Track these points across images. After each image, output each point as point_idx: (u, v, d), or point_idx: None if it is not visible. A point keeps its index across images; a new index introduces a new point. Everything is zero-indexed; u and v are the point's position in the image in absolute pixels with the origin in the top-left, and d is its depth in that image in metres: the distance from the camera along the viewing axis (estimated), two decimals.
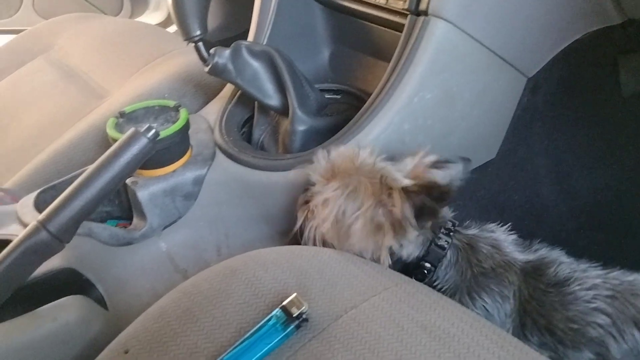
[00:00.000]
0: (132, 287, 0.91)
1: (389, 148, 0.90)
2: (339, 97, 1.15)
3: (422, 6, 0.84)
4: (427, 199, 0.74)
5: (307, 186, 0.84)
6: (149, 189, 0.92)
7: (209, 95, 1.16)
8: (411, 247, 0.80)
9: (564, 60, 1.08)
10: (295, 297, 0.67)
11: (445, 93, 0.90)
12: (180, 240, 0.95)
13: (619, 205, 1.20)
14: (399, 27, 0.93)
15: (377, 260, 0.79)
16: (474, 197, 1.08)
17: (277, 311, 0.67)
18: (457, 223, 0.84)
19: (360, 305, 0.67)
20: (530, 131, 1.12)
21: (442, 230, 0.81)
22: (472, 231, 0.84)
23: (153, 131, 0.79)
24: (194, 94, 1.16)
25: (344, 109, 1.11)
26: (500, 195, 1.05)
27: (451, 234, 0.81)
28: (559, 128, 1.17)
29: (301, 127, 0.97)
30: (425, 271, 0.82)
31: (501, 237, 0.83)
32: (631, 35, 1.18)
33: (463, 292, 0.81)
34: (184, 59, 1.23)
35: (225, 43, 0.99)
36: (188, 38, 0.91)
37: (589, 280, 0.76)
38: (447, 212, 0.84)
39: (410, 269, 0.82)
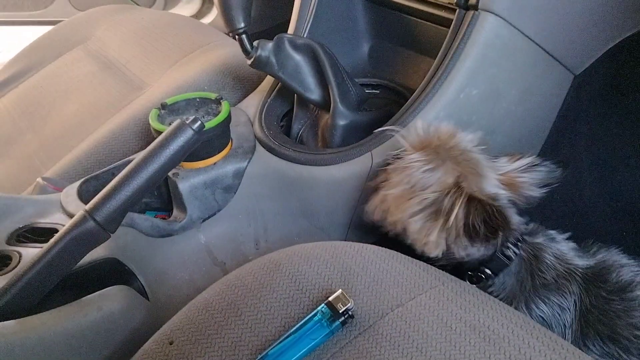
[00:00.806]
0: (171, 279, 0.92)
1: None
2: (378, 92, 1.14)
3: (472, 0, 0.82)
4: (491, 217, 0.71)
5: (381, 168, 0.81)
6: (189, 180, 0.92)
7: (248, 88, 1.16)
8: (473, 250, 0.77)
9: (611, 57, 1.05)
10: (341, 293, 0.67)
11: (492, 89, 0.88)
12: (219, 232, 0.95)
13: None
14: (444, 22, 0.91)
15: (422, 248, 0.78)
16: None
17: (322, 307, 0.66)
18: (526, 231, 0.81)
19: (406, 303, 0.66)
20: (574, 130, 1.10)
21: (510, 240, 0.78)
22: (539, 239, 0.80)
23: (199, 123, 0.79)
24: (233, 87, 1.16)
25: (383, 104, 1.10)
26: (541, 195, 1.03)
27: (519, 243, 0.79)
28: (603, 127, 1.14)
29: (342, 122, 0.96)
30: (484, 276, 0.80)
31: (562, 244, 0.80)
32: None
33: (521, 301, 0.79)
34: (222, 51, 1.23)
35: (262, 35, 0.99)
36: (232, 30, 0.91)
37: None
38: (519, 220, 0.80)
39: (465, 269, 0.81)
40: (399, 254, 0.77)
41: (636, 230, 1.13)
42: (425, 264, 0.76)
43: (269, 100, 1.06)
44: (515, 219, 0.78)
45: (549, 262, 0.78)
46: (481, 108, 0.89)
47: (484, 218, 0.72)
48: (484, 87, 0.87)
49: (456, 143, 0.77)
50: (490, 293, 0.78)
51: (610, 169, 1.15)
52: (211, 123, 0.89)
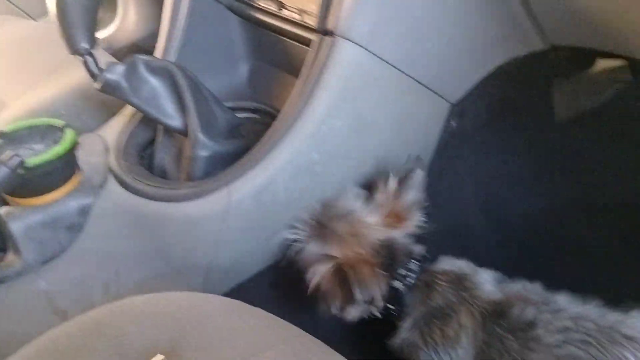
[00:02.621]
0: (2, 332, 0.80)
1: (297, 179, 0.83)
2: (257, 116, 1.07)
3: (329, 25, 0.76)
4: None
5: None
6: (24, 220, 0.81)
7: (114, 112, 1.05)
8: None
9: (493, 84, 1.03)
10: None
11: (359, 120, 0.82)
12: (62, 277, 0.84)
13: (550, 236, 1.15)
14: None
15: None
16: None
17: None
18: (425, 260, 0.80)
19: None
20: (458, 157, 1.06)
21: (401, 272, 0.78)
22: (439, 267, 0.79)
23: (18, 159, 0.69)
24: (96, 111, 1.05)
25: (261, 129, 1.02)
26: (424, 228, 0.98)
27: (410, 274, 0.78)
28: (488, 153, 1.11)
29: (204, 153, 0.88)
30: (393, 312, 0.79)
31: (471, 273, 0.77)
32: (564, 59, 1.13)
33: (416, 331, 0.76)
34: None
35: None
36: (74, 51, 0.81)
37: (557, 323, 0.68)
38: (416, 249, 0.81)
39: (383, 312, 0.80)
40: (247, 306, 0.70)
41: (524, 258, 1.10)
42: (274, 317, 0.68)
43: (131, 127, 0.96)
44: (407, 249, 0.79)
45: (440, 289, 0.76)
46: (349, 140, 0.83)
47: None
48: (349, 119, 0.81)
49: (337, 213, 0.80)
50: (401, 325, 0.78)
51: (496, 197, 1.13)
52: (45, 157, 0.79)
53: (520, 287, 0.74)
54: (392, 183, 0.82)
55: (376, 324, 0.82)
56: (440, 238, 0.85)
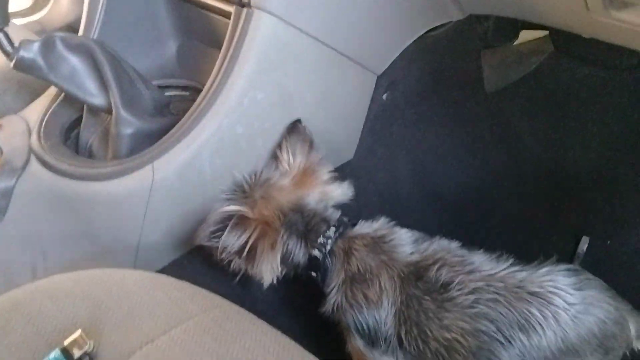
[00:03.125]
0: None
1: (222, 154, 0.83)
2: (187, 93, 1.06)
3: None
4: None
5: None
6: None
7: (38, 93, 1.02)
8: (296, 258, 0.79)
9: (422, 56, 1.05)
10: (80, 335, 0.58)
11: (281, 93, 0.83)
12: None
13: (482, 204, 1.19)
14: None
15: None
16: None
17: (55, 352, 0.57)
18: (343, 226, 0.80)
19: (157, 339, 0.59)
20: (390, 130, 1.08)
21: (319, 240, 0.78)
22: (358, 231, 0.80)
23: None
24: (17, 92, 1.02)
25: (189, 106, 1.02)
26: (359, 198, 1.00)
27: (328, 241, 0.79)
28: (420, 125, 1.13)
29: (128, 130, 0.86)
30: (313, 278, 0.80)
31: (389, 235, 0.79)
32: (490, 32, 1.17)
33: (342, 295, 0.78)
34: None
35: None
36: None
37: (470, 284, 0.72)
38: (334, 214, 0.82)
39: (305, 280, 0.82)
40: (171, 279, 0.70)
41: (455, 226, 1.14)
42: (198, 288, 0.69)
43: (53, 106, 0.94)
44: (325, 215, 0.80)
45: (358, 255, 0.77)
46: (273, 114, 0.84)
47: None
48: (271, 92, 0.81)
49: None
50: (326, 291, 0.79)
51: (428, 168, 1.16)
52: None
53: (437, 247, 0.76)
54: (285, 148, 0.83)
55: (309, 293, 0.84)
56: (375, 211, 0.87)
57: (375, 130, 1.06)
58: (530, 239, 1.17)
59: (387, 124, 1.08)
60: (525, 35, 1.18)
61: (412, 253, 0.76)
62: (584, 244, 1.15)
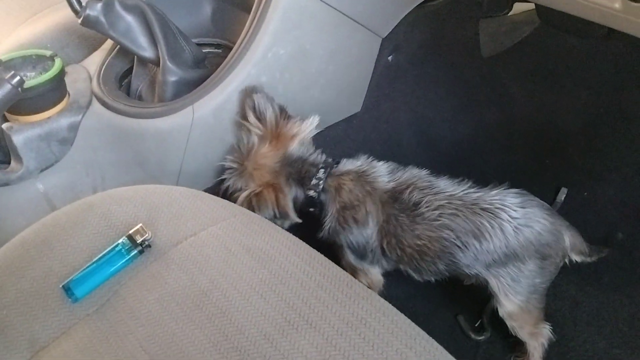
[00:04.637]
0: (9, 225, 0.98)
1: None
2: (220, 51, 1.23)
3: None
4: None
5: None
6: (23, 133, 0.97)
7: (94, 46, 1.20)
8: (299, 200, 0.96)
9: (425, 22, 1.20)
10: (140, 226, 0.77)
11: (299, 49, 0.99)
12: (57, 182, 1.02)
13: (474, 157, 1.35)
14: None
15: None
16: (339, 146, 1.20)
17: (123, 239, 0.76)
18: (331, 166, 0.96)
19: (199, 233, 0.78)
20: (393, 87, 1.24)
21: (312, 182, 0.95)
22: (342, 169, 0.97)
23: (17, 78, 0.85)
24: (77, 45, 1.21)
25: (222, 62, 1.19)
26: (364, 146, 1.17)
27: (320, 182, 0.95)
28: (421, 85, 1.29)
29: (172, 78, 1.04)
30: (312, 213, 0.97)
31: (369, 168, 0.96)
32: (489, 1, 1.30)
33: (336, 221, 0.96)
34: (68, 10, 1.26)
35: None
36: None
37: (436, 202, 0.90)
38: (319, 157, 0.98)
39: (305, 215, 0.98)
40: (203, 193, 0.88)
41: (449, 172, 1.30)
42: (225, 200, 0.87)
43: (109, 58, 1.12)
44: (312, 159, 0.97)
45: (347, 189, 0.94)
46: (292, 66, 1.01)
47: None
48: (291, 48, 0.98)
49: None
50: (323, 221, 0.96)
51: (427, 122, 1.32)
52: (40, 79, 0.95)
53: (410, 175, 0.94)
54: (251, 114, 0.96)
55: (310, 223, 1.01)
56: (378, 156, 1.03)
57: (381, 87, 1.22)
58: (514, 188, 1.32)
59: (391, 82, 1.24)
60: (519, 7, 1.32)
61: (389, 182, 0.94)
62: (562, 194, 1.30)
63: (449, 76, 1.32)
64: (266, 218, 0.87)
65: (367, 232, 0.94)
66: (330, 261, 0.74)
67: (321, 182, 0.95)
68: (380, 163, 0.97)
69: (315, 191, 0.96)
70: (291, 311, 0.66)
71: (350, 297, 0.68)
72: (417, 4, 1.09)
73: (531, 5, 1.32)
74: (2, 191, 0.98)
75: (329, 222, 0.96)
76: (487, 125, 1.38)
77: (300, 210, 0.98)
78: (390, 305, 0.69)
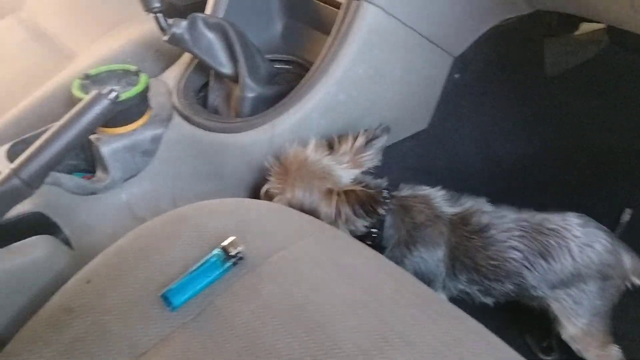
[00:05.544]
0: (95, 232, 1.03)
1: (326, 116, 1.03)
2: (289, 67, 1.26)
3: None
4: (368, 198, 0.91)
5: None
6: (111, 145, 1.02)
7: (169, 60, 1.25)
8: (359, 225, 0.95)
9: (491, 42, 1.21)
10: (234, 239, 0.80)
11: (375, 69, 1.02)
12: (139, 192, 1.07)
13: (536, 175, 1.36)
14: (339, 6, 1.04)
15: None
16: (405, 163, 1.22)
17: (217, 250, 0.79)
18: (390, 189, 0.98)
19: (288, 247, 0.80)
20: (459, 104, 1.26)
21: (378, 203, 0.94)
22: (405, 193, 0.99)
23: (114, 94, 0.89)
24: (155, 59, 1.25)
25: (293, 78, 1.22)
26: (429, 162, 1.19)
27: (387, 201, 0.96)
28: (486, 102, 1.31)
29: (250, 94, 1.08)
30: (374, 235, 0.97)
31: (432, 194, 0.98)
32: (553, 22, 1.31)
33: (401, 244, 0.97)
34: (147, 25, 1.30)
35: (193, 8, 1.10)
36: (148, 9, 1.01)
37: (504, 225, 0.93)
38: (383, 183, 0.99)
39: (364, 236, 0.97)
40: (288, 207, 0.91)
41: (511, 192, 1.31)
42: (309, 216, 0.90)
43: (187, 72, 1.16)
44: (375, 183, 0.97)
45: (416, 209, 0.96)
46: (367, 85, 1.03)
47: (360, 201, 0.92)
48: (368, 67, 1.01)
49: (310, 159, 0.96)
50: (384, 246, 0.97)
51: (490, 139, 1.33)
52: (129, 93, 1.00)
53: (472, 201, 0.97)
54: (360, 139, 0.98)
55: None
56: (441, 172, 1.06)
57: (447, 104, 1.23)
58: (578, 208, 1.32)
59: (458, 99, 1.25)
60: (585, 27, 1.32)
61: (453, 206, 0.96)
62: (627, 215, 1.29)
63: (513, 94, 1.33)
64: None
65: (438, 255, 0.96)
66: (418, 280, 0.76)
67: (387, 201, 0.96)
68: (437, 189, 0.99)
69: (382, 211, 0.95)
70: (387, 328, 0.68)
71: (444, 317, 0.70)
72: (493, 24, 1.11)
73: (598, 25, 1.32)
74: (89, 200, 1.03)
75: (393, 244, 0.98)
76: (550, 143, 1.39)
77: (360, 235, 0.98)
78: (483, 326, 0.70)
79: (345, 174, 0.98)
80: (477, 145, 1.32)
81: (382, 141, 0.99)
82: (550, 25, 1.29)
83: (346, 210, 0.93)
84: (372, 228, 0.98)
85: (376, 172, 1.01)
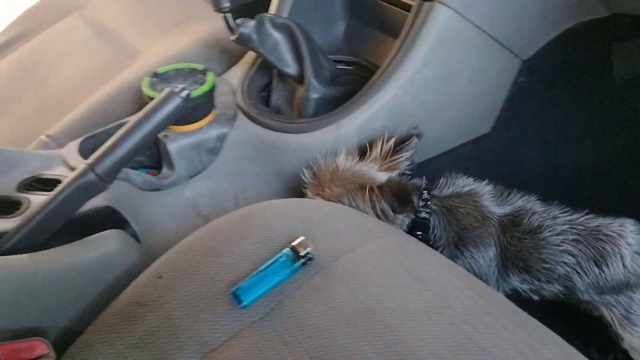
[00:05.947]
0: (160, 227, 1.04)
1: (392, 118, 1.02)
2: (351, 68, 1.26)
3: None
4: (400, 190, 0.91)
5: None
6: (178, 142, 1.04)
7: (233, 60, 1.26)
8: (399, 222, 0.95)
9: (560, 45, 1.18)
10: (303, 239, 0.80)
11: (445, 71, 1.01)
12: (203, 189, 1.08)
13: (598, 182, 1.31)
14: (408, 8, 1.03)
15: None
16: (467, 167, 1.19)
17: (287, 250, 0.79)
18: (431, 189, 0.97)
19: (357, 249, 0.80)
20: (523, 109, 1.23)
21: (420, 203, 0.95)
22: (447, 192, 0.97)
23: (186, 92, 0.91)
24: (219, 58, 1.27)
25: (354, 79, 1.21)
26: (491, 166, 1.16)
27: (428, 203, 0.95)
28: (550, 107, 1.27)
29: (315, 95, 1.08)
30: (419, 237, 0.95)
31: (478, 190, 0.96)
32: (625, 25, 1.27)
33: (451, 246, 0.96)
34: (211, 24, 1.32)
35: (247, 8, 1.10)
36: (218, 9, 1.02)
37: (558, 227, 0.91)
38: (420, 182, 0.98)
39: None
40: (351, 209, 0.91)
41: (573, 198, 1.27)
42: (375, 218, 0.89)
43: (251, 72, 1.17)
44: (412, 182, 0.97)
45: (462, 211, 0.94)
46: (435, 88, 1.02)
47: (394, 193, 0.91)
48: (438, 70, 0.99)
49: (342, 168, 0.96)
50: (430, 244, 0.95)
51: (554, 144, 1.29)
52: (197, 92, 1.01)
53: (523, 201, 0.95)
54: (391, 142, 0.97)
55: None
56: (502, 176, 1.03)
57: (511, 108, 1.21)
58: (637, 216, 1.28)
59: (522, 103, 1.22)
60: None
61: (501, 206, 0.94)
62: None
63: (578, 99, 1.29)
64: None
65: (489, 255, 0.94)
66: (490, 287, 0.75)
67: (428, 203, 0.95)
68: (482, 184, 0.97)
69: (425, 212, 0.95)
70: (461, 335, 0.67)
71: (519, 325, 0.68)
72: (566, 27, 1.08)
73: None
74: (155, 195, 1.05)
75: (443, 244, 0.96)
76: (613, 150, 1.34)
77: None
78: (558, 336, 0.68)
79: (379, 175, 0.97)
80: (540, 150, 1.29)
81: (414, 144, 0.98)
82: (620, 29, 1.24)
83: (381, 205, 0.92)
84: (416, 230, 0.96)
85: (434, 176, 1.00)
